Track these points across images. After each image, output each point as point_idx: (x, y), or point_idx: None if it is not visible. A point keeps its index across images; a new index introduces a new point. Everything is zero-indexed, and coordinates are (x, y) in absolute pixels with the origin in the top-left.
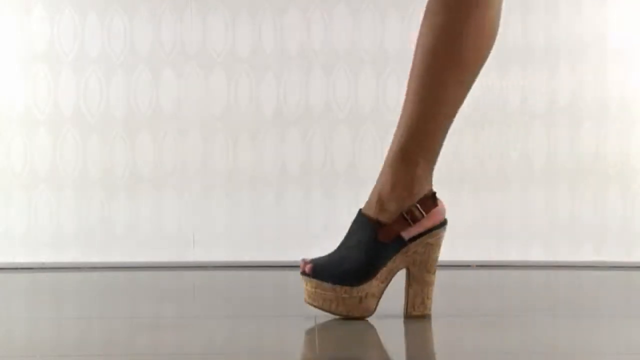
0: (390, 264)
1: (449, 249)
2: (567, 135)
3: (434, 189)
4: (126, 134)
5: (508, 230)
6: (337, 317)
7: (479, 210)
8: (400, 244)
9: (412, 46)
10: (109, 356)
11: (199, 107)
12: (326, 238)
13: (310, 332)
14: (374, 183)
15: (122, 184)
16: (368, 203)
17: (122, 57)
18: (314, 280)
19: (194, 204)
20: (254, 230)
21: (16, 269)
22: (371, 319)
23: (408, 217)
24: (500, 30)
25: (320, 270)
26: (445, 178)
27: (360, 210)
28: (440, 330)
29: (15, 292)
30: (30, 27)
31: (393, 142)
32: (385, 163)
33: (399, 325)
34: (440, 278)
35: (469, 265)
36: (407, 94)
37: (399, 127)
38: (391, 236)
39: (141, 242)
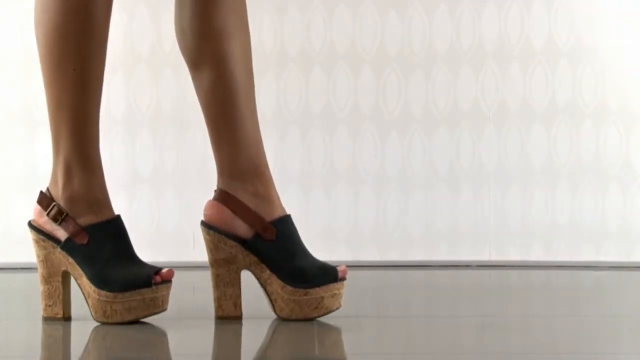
0: None
1: (449, 249)
2: (567, 135)
3: (436, 186)
4: (126, 134)
5: (508, 230)
6: (334, 315)
7: (479, 210)
8: None
9: (412, 46)
10: (108, 356)
11: (199, 107)
12: (326, 238)
13: (309, 333)
14: (374, 183)
15: (122, 184)
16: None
17: (122, 57)
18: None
19: (194, 204)
20: None
21: (16, 269)
22: (370, 319)
23: None
24: (501, 29)
25: None
26: (445, 178)
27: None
28: (440, 330)
29: (15, 292)
30: (30, 27)
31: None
32: (266, 166)
33: (398, 324)
34: (440, 278)
35: (469, 265)
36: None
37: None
38: None
39: (141, 242)
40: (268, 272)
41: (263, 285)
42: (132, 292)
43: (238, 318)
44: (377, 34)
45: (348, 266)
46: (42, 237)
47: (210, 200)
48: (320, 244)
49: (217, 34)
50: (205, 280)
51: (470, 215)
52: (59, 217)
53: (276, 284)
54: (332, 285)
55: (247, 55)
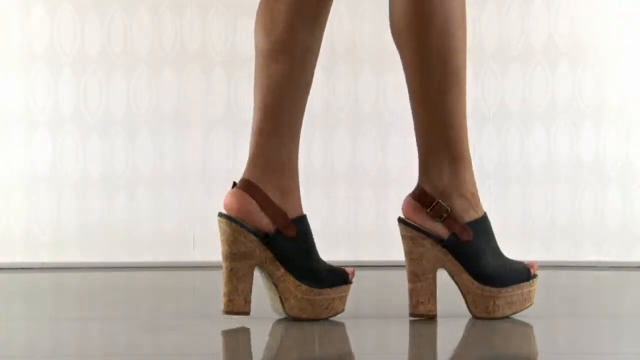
0: None
1: None
2: (567, 135)
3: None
4: (126, 134)
5: (508, 230)
6: (335, 317)
7: None
8: None
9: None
10: (108, 356)
11: (199, 107)
12: (326, 238)
13: (310, 332)
14: (374, 183)
15: (122, 184)
16: None
17: (122, 57)
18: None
19: (194, 204)
20: None
21: (16, 269)
22: (370, 319)
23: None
24: (501, 29)
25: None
26: None
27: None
28: (441, 331)
29: (15, 292)
30: (30, 27)
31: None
32: (296, 162)
33: (398, 324)
34: (440, 278)
35: None
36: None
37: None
38: None
39: (141, 242)
40: (282, 269)
41: (275, 283)
42: (513, 287)
43: (246, 314)
44: (377, 34)
45: (348, 266)
46: (421, 234)
47: (234, 190)
48: (320, 244)
49: (306, 27)
50: (205, 280)
51: None
52: (443, 214)
53: (290, 281)
54: (342, 287)
55: (318, 51)
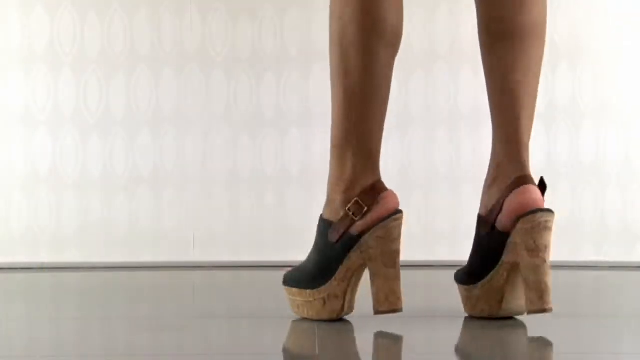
0: (346, 263)
1: (450, 249)
2: (567, 135)
3: (436, 186)
4: (126, 134)
5: None
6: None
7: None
8: (351, 240)
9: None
10: (108, 356)
11: (199, 107)
12: None
13: (310, 332)
14: None
15: (122, 184)
16: (325, 203)
17: (122, 57)
18: (286, 288)
19: (194, 204)
20: (254, 230)
21: (16, 269)
22: (371, 319)
23: (350, 212)
24: None
25: (289, 278)
26: (446, 178)
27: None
28: (440, 331)
29: (15, 292)
30: (30, 27)
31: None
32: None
33: (397, 324)
34: (441, 278)
35: None
36: None
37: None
38: (339, 234)
39: (141, 242)
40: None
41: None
42: None
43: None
44: None
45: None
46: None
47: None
48: None
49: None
50: (205, 280)
51: (471, 215)
52: None
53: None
54: None
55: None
